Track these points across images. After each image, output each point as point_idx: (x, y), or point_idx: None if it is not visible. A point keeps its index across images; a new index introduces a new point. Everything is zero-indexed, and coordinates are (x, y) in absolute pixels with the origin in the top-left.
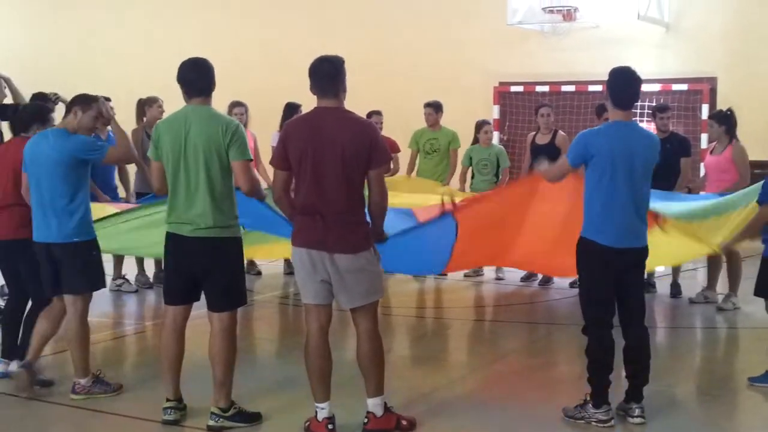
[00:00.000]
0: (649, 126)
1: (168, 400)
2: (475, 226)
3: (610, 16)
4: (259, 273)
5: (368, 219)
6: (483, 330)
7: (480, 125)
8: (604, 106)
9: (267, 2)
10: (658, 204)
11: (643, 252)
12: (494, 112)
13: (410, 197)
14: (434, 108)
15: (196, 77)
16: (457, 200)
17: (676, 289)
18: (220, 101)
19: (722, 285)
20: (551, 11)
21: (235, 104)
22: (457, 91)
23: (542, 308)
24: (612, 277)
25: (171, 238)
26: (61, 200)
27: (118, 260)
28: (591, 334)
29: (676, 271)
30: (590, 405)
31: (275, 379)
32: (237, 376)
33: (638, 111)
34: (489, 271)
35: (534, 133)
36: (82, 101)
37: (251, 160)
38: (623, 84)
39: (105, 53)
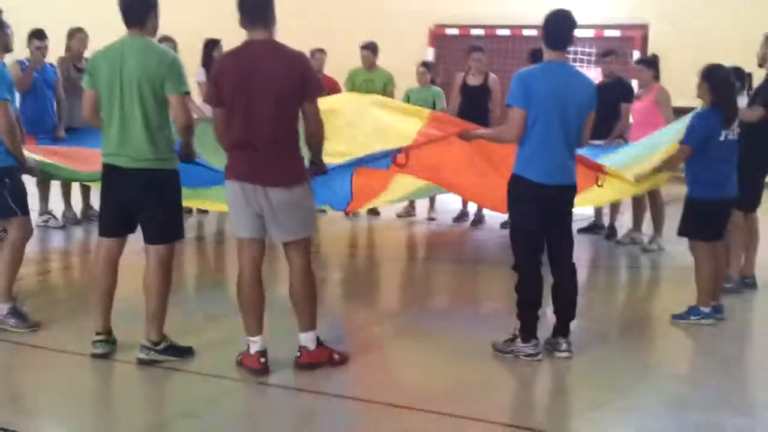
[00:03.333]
0: (587, 70)
1: (98, 333)
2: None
3: None
4: (189, 211)
5: (302, 154)
6: (414, 268)
7: (417, 66)
8: (537, 52)
9: None
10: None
11: (572, 189)
12: (429, 54)
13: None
14: (371, 50)
15: (135, 6)
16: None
17: (611, 232)
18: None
19: (648, 227)
20: None
21: (163, 39)
22: (393, 33)
23: (473, 248)
24: (541, 214)
25: (107, 170)
26: None
27: (44, 195)
28: (521, 271)
29: (613, 213)
30: (519, 339)
31: (208, 314)
32: (170, 311)
33: (571, 56)
34: (421, 212)
35: (464, 73)
36: None
37: (188, 93)
38: (559, 25)
39: None
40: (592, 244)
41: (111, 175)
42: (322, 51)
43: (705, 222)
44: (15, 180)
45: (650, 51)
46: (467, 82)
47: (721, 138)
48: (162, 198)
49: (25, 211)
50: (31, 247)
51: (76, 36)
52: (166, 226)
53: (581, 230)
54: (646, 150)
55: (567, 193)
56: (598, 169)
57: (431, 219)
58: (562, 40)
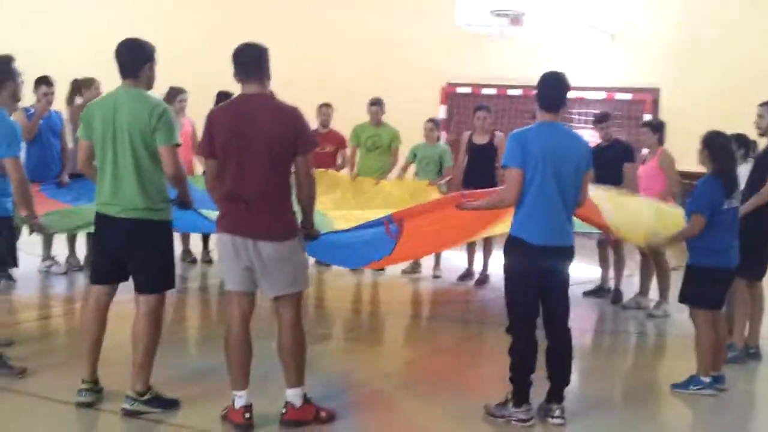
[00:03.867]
0: (592, 134)
1: (84, 381)
2: (417, 229)
3: (558, 23)
4: (194, 261)
5: (295, 208)
6: (415, 326)
7: (425, 123)
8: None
9: None
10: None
11: (569, 251)
12: (441, 112)
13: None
14: (380, 106)
15: (129, 59)
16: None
17: (617, 295)
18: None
19: (655, 292)
20: (499, 14)
21: (178, 91)
22: (405, 90)
23: (476, 307)
24: (537, 276)
25: (99, 218)
26: None
27: (47, 241)
28: (514, 334)
29: (618, 277)
30: (511, 404)
31: (197, 367)
32: (158, 363)
33: (583, 118)
34: (427, 269)
35: (470, 132)
36: None
37: (178, 145)
38: (552, 87)
39: (48, 35)
40: (596, 308)
41: (103, 223)
42: (328, 105)
43: (706, 290)
44: (11, 231)
45: (661, 114)
46: (473, 140)
47: (724, 206)
48: (152, 247)
49: (15, 264)
50: (33, 292)
51: (93, 84)
52: (156, 275)
53: (587, 293)
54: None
55: (563, 255)
56: (606, 228)
57: (436, 276)
58: (556, 102)
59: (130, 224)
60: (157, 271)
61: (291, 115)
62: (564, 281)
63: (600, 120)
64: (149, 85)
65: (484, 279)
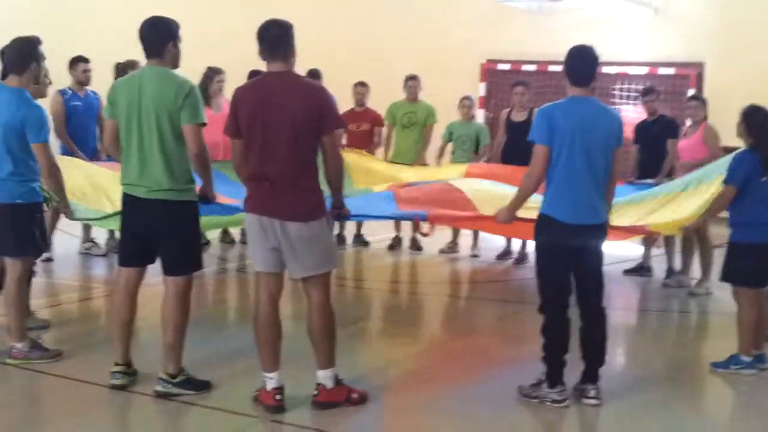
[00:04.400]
0: (635, 110)
1: (117, 364)
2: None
3: None
4: (232, 241)
5: (321, 187)
6: (451, 306)
7: (460, 100)
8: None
9: None
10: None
11: (601, 229)
12: (481, 90)
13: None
14: (417, 81)
15: (153, 37)
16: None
17: (669, 273)
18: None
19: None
20: None
21: (216, 71)
22: (445, 68)
23: (514, 286)
24: (568, 255)
25: (126, 199)
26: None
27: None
28: (547, 313)
29: (646, 255)
30: (545, 384)
31: (230, 348)
32: (191, 344)
33: (625, 93)
34: (464, 248)
35: (509, 109)
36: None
37: (204, 124)
38: (581, 61)
39: (84, 14)
40: (637, 287)
41: (130, 204)
42: (363, 84)
43: (748, 267)
44: (42, 217)
45: (705, 89)
46: (511, 118)
47: (763, 179)
48: (179, 229)
49: (47, 249)
50: (73, 274)
51: (136, 67)
52: (183, 257)
53: (627, 271)
54: (682, 186)
55: (595, 233)
56: (643, 231)
57: (474, 256)
58: (586, 76)
59: (156, 205)
60: (184, 252)
61: (316, 94)
62: (597, 259)
63: (645, 93)
64: (175, 63)
65: (522, 258)
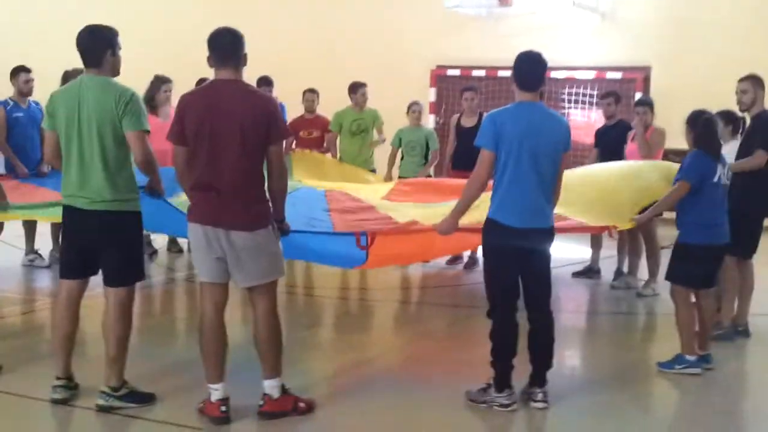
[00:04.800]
0: (589, 112)
1: (58, 378)
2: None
3: (546, 2)
4: (180, 250)
5: (267, 197)
6: (402, 312)
7: (409, 106)
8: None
9: None
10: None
11: (549, 232)
12: (431, 95)
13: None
14: (366, 88)
15: (91, 46)
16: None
17: (595, 273)
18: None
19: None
20: None
21: (164, 80)
22: (395, 74)
23: (465, 291)
24: (516, 259)
25: (67, 211)
26: None
27: (30, 235)
28: (495, 317)
29: (594, 258)
30: (492, 388)
31: (175, 360)
32: (136, 356)
33: (573, 98)
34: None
35: (459, 114)
36: None
37: (147, 131)
38: (527, 67)
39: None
40: (586, 289)
41: (70, 216)
42: (312, 91)
43: (695, 267)
44: None
45: (652, 93)
46: (461, 123)
47: (714, 179)
48: (122, 239)
49: None
50: (16, 286)
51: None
52: (125, 268)
53: (576, 274)
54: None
55: (542, 237)
56: (605, 229)
57: (424, 261)
58: (534, 81)
59: (99, 216)
60: (126, 263)
61: (264, 103)
62: (544, 263)
63: (603, 96)
64: (115, 71)
65: (472, 262)
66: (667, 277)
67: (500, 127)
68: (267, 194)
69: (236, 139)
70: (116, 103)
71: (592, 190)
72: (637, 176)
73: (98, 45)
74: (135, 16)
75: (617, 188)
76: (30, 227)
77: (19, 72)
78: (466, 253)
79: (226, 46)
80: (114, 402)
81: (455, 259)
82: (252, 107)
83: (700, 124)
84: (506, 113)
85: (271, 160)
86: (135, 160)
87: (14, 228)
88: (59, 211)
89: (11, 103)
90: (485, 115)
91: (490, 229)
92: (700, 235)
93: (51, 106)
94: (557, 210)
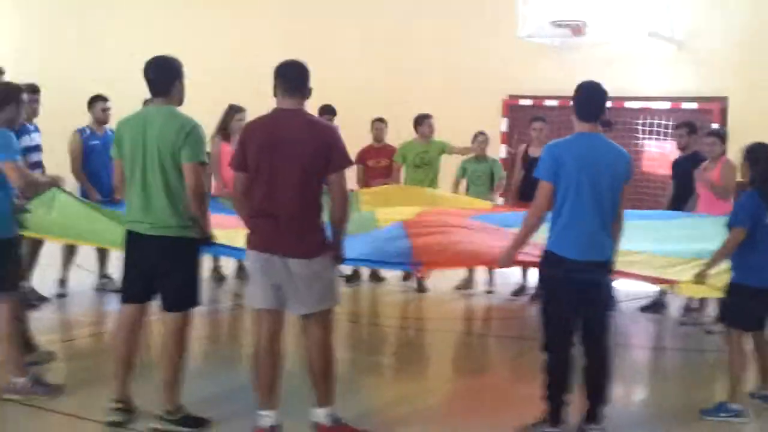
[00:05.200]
0: (663, 143)
1: (114, 401)
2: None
3: (620, 32)
4: (222, 278)
5: (326, 226)
6: (462, 343)
7: (475, 136)
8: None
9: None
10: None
11: (607, 266)
12: (502, 125)
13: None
14: (433, 119)
15: (156, 77)
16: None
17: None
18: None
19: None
20: (559, 25)
21: (237, 109)
22: (466, 103)
23: (530, 323)
24: (574, 292)
25: (129, 236)
26: None
27: (102, 258)
28: (549, 352)
29: (662, 292)
30: (547, 424)
31: (231, 386)
32: (193, 381)
33: (647, 129)
34: (479, 285)
35: (526, 144)
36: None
37: (204, 163)
38: (589, 96)
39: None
40: (652, 324)
41: (132, 241)
42: (381, 120)
43: (747, 309)
44: (14, 252)
45: (730, 124)
46: (529, 153)
47: (767, 221)
48: (180, 266)
49: (19, 287)
50: (87, 309)
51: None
52: (181, 294)
53: (643, 308)
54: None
55: (601, 270)
56: (667, 282)
57: (489, 292)
58: (593, 112)
59: (160, 242)
60: (183, 288)
61: (325, 132)
62: (603, 297)
63: (677, 127)
64: (180, 101)
65: (521, 289)
66: (719, 319)
67: (559, 158)
68: (324, 223)
69: (296, 168)
70: (177, 133)
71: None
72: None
73: (168, 75)
74: (213, 47)
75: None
76: (102, 251)
77: (96, 101)
78: (532, 284)
79: (293, 77)
80: (169, 426)
81: (521, 290)
82: (312, 136)
83: (757, 158)
84: (566, 144)
85: (332, 189)
86: (188, 191)
87: (87, 253)
88: (118, 234)
89: (88, 131)
90: (544, 146)
91: (549, 261)
92: (752, 277)
93: (117, 135)
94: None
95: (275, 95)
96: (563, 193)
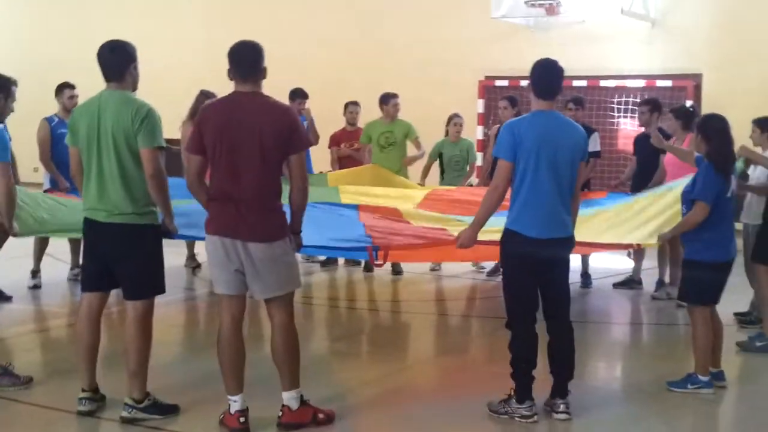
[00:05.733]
0: (633, 122)
1: (83, 390)
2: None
3: (595, 11)
4: (198, 266)
5: (285, 209)
6: (431, 324)
7: (450, 118)
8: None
9: None
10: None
11: (567, 242)
12: (479, 106)
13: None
14: (398, 99)
15: (113, 60)
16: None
17: (586, 280)
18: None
19: None
20: (533, 5)
21: (208, 94)
22: (442, 85)
23: (496, 303)
24: (535, 269)
25: (87, 224)
26: None
27: (75, 249)
28: (513, 329)
29: (585, 262)
30: (513, 400)
31: (198, 372)
32: (159, 369)
33: (622, 107)
34: (462, 265)
35: (498, 126)
36: None
37: (161, 147)
38: (546, 74)
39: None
40: (626, 300)
41: (90, 229)
42: (355, 104)
43: (707, 285)
44: None
45: (704, 101)
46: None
47: (728, 195)
48: (139, 253)
49: None
50: (60, 300)
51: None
52: (143, 281)
53: (617, 284)
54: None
55: (562, 246)
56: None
57: (481, 269)
58: (551, 89)
59: (116, 229)
60: (144, 276)
61: (283, 113)
62: (564, 273)
63: (640, 104)
64: (134, 86)
65: (497, 269)
66: (679, 296)
67: (517, 137)
68: (283, 206)
69: (255, 151)
70: (132, 118)
71: (617, 215)
72: (664, 197)
73: (122, 60)
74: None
75: (644, 207)
76: (75, 241)
77: (63, 88)
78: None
79: (246, 59)
80: (137, 414)
81: (495, 271)
82: (271, 117)
83: (711, 129)
84: (523, 122)
85: (293, 170)
86: (145, 175)
87: (60, 243)
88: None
89: (56, 119)
90: (502, 125)
91: (509, 240)
92: (709, 252)
93: (72, 122)
94: (581, 237)
95: (230, 78)
96: (522, 172)
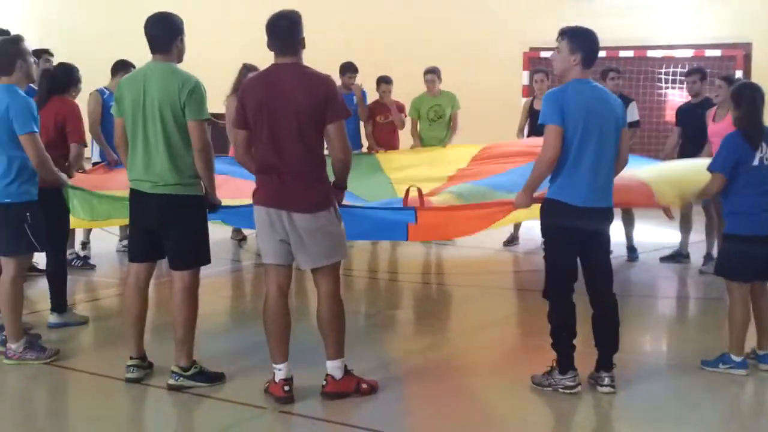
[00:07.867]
0: (681, 93)
1: (131, 358)
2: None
3: None
4: (244, 238)
5: (328, 179)
6: (471, 297)
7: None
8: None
9: None
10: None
11: (609, 212)
12: (524, 78)
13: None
14: (437, 74)
15: (160, 33)
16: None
17: (632, 253)
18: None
19: None
20: None
21: (251, 68)
22: (488, 58)
23: (530, 275)
24: (578, 240)
25: (133, 195)
26: None
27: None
28: (552, 299)
29: (630, 235)
30: (557, 372)
31: (244, 341)
32: (206, 338)
33: (670, 78)
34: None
35: (531, 98)
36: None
37: (207, 120)
38: (595, 45)
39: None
40: (673, 273)
41: (136, 200)
42: (386, 80)
43: (742, 260)
44: (36, 215)
45: (753, 70)
46: (534, 106)
47: (755, 163)
48: (184, 223)
49: (43, 248)
50: (110, 271)
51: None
52: (189, 251)
53: (664, 258)
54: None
55: (605, 216)
56: (646, 201)
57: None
58: (594, 59)
59: (162, 200)
60: (189, 246)
61: (321, 83)
62: (605, 244)
63: (687, 74)
64: (180, 58)
65: (512, 239)
66: (716, 271)
67: (564, 104)
68: (327, 177)
69: (294, 121)
70: (180, 90)
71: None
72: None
73: (168, 32)
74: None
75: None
76: None
77: (119, 69)
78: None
79: (283, 31)
80: (184, 381)
81: (511, 241)
82: (308, 88)
83: (743, 98)
84: (568, 90)
85: (331, 139)
86: (193, 148)
87: None
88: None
89: (107, 92)
90: (545, 94)
91: (552, 209)
92: (742, 225)
93: (118, 93)
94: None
95: (270, 50)
96: (568, 140)
